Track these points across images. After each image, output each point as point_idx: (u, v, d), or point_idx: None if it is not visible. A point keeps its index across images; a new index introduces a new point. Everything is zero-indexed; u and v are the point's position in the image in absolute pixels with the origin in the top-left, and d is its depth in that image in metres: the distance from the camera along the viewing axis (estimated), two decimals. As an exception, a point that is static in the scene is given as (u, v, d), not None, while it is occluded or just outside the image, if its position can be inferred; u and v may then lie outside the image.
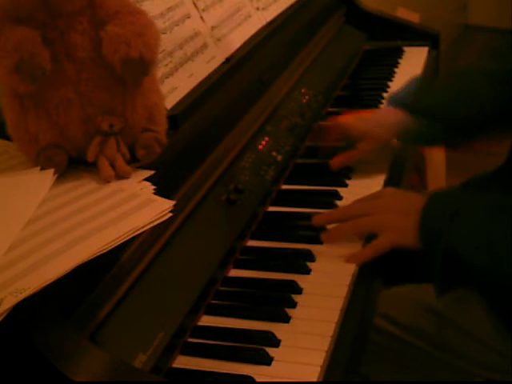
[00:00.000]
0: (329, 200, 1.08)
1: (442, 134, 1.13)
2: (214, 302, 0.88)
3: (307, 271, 0.93)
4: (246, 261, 0.96)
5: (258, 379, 0.76)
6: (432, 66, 1.61)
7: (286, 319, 0.84)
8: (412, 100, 1.15)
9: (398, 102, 1.15)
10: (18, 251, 0.70)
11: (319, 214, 1.01)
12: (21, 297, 0.63)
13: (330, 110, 1.39)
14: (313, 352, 0.79)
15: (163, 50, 0.99)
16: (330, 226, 1.00)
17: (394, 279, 1.08)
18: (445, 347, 1.03)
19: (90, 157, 0.83)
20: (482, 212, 0.88)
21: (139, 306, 0.77)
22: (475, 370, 1.03)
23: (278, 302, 0.87)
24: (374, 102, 1.41)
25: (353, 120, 1.17)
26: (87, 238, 0.71)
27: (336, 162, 1.15)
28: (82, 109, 0.81)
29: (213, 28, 1.13)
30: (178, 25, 1.05)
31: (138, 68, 0.79)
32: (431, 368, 1.04)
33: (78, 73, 0.80)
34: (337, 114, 1.28)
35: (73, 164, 0.84)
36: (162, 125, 0.87)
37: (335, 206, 1.07)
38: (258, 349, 0.79)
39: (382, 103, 1.41)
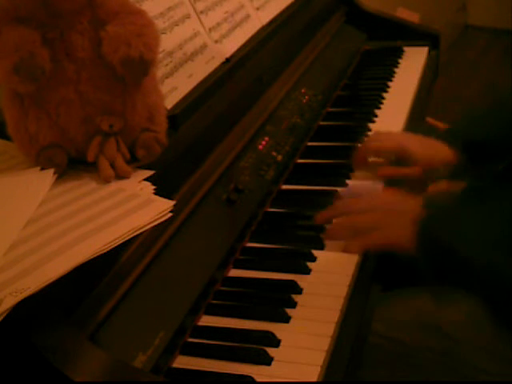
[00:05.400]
0: (329, 200, 1.08)
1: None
2: (214, 302, 0.88)
3: (307, 271, 0.93)
4: (246, 261, 0.96)
5: (258, 379, 0.76)
6: (432, 65, 1.61)
7: (286, 319, 0.84)
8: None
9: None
10: (17, 251, 0.70)
11: (321, 212, 1.01)
12: (21, 297, 0.63)
13: (330, 109, 1.39)
14: (313, 352, 0.79)
15: (163, 50, 0.99)
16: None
17: (393, 285, 1.08)
18: (445, 352, 1.03)
19: (90, 157, 0.83)
20: (481, 217, 0.89)
21: (139, 305, 0.77)
22: (475, 375, 1.03)
23: (278, 301, 0.87)
24: (373, 102, 1.41)
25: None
26: (87, 237, 0.71)
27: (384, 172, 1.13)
28: (81, 109, 0.81)
29: (212, 28, 1.13)
30: (177, 25, 1.05)
31: (138, 68, 0.79)
32: (431, 373, 1.04)
33: (78, 73, 0.80)
34: (336, 114, 1.27)
35: (73, 164, 0.84)
36: (162, 125, 0.87)
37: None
38: (257, 349, 0.79)
39: (382, 103, 1.41)
